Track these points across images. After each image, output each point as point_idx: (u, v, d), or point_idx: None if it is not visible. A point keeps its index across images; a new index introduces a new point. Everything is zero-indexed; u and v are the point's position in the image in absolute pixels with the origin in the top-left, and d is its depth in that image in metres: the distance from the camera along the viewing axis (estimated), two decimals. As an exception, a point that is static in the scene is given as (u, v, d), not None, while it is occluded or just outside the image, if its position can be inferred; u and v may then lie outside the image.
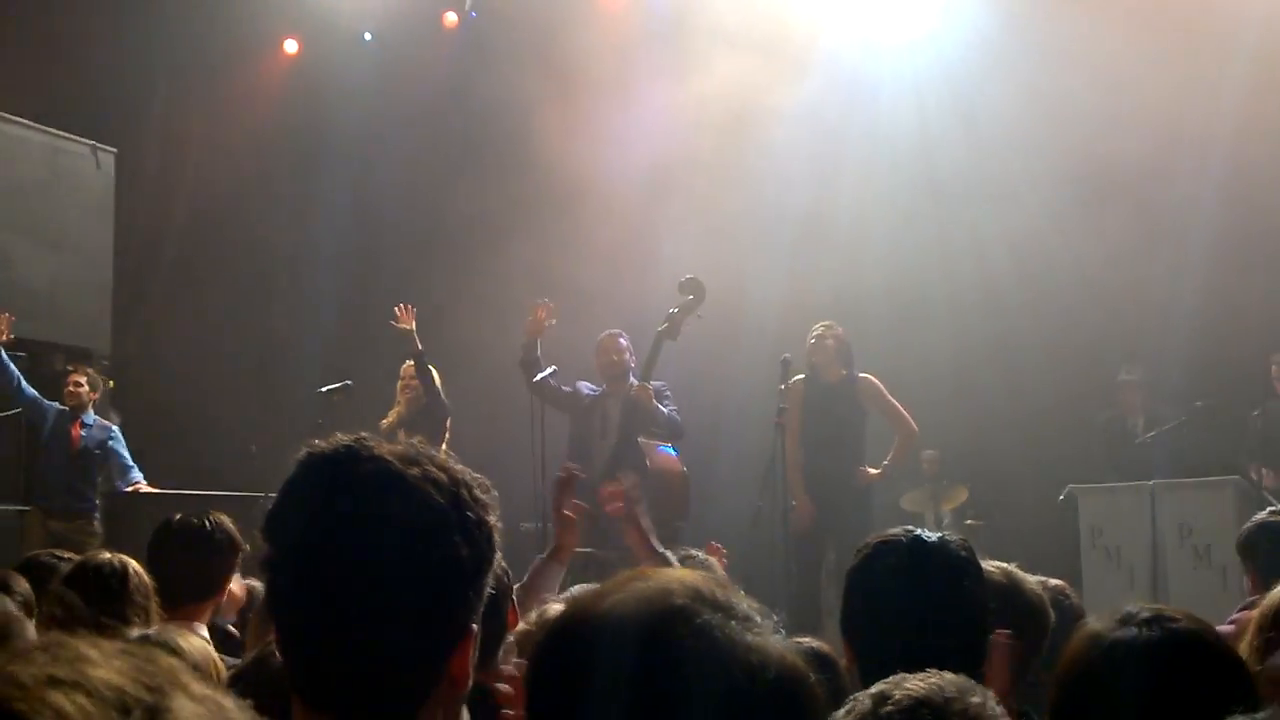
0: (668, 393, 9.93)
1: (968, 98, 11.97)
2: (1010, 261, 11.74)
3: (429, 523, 1.78)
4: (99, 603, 3.97)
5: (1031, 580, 3.57)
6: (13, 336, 10.53)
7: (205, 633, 4.32)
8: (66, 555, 4.80)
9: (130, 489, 10.74)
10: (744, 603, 1.50)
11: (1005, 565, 3.52)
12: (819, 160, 12.15)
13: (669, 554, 4.55)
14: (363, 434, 1.88)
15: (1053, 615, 3.49)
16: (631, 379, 9.82)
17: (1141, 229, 10.93)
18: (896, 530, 3.02)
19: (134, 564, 4.21)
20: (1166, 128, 10.85)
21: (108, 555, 4.26)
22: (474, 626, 1.83)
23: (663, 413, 9.75)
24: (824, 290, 11.14)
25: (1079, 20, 11.21)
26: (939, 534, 3.01)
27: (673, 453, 9.78)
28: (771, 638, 1.47)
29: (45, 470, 10.71)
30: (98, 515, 10.64)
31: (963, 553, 2.95)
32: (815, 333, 9.93)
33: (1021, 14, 11.59)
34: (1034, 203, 11.55)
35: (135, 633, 3.50)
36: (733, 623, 1.46)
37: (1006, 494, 11.78)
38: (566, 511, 4.73)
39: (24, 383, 10.65)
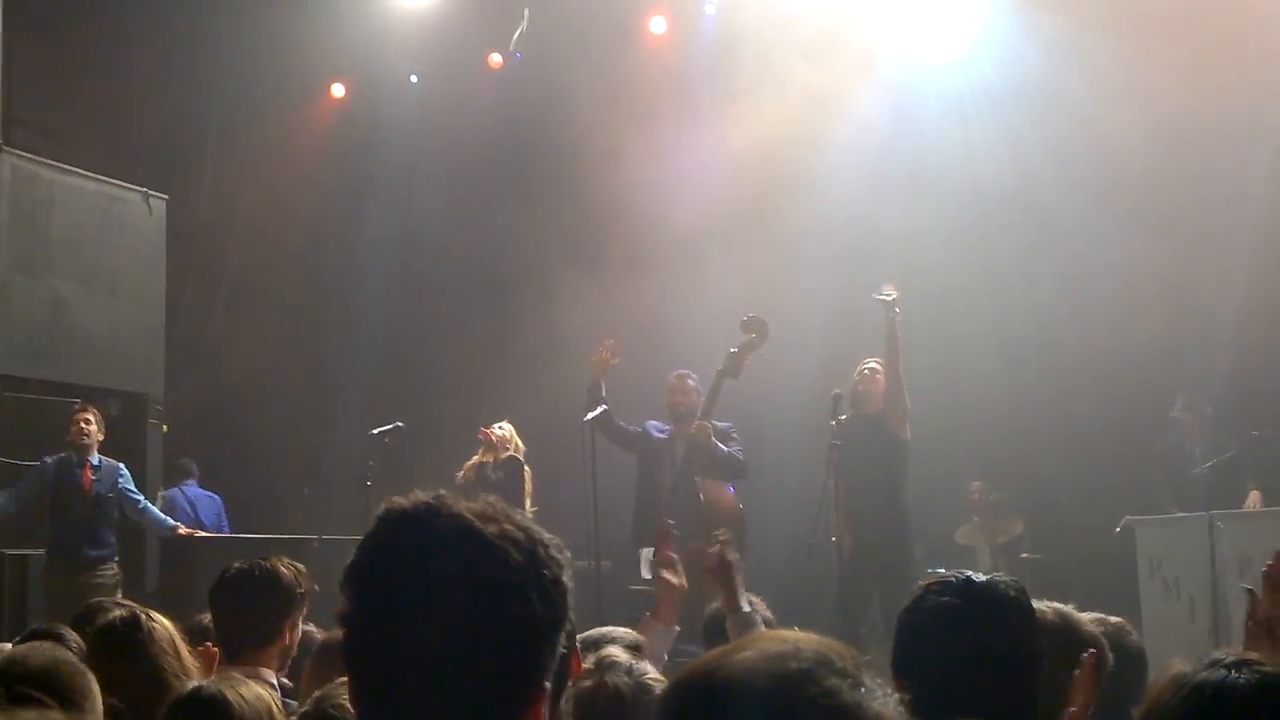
0: (734, 434, 10.05)
1: (1010, 120, 11.92)
2: (1058, 286, 11.66)
3: (507, 581, 1.78)
4: (118, 660, 3.88)
5: (1087, 619, 3.51)
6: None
7: (272, 679, 4.30)
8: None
9: (184, 533, 10.68)
10: (866, 671, 1.51)
11: (1059, 605, 3.46)
12: (865, 191, 12.13)
13: (754, 610, 4.48)
14: (441, 491, 1.89)
15: (1110, 656, 3.43)
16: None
17: (1187, 250, 10.86)
18: (947, 572, 3.00)
19: (146, 613, 4.08)
20: (1209, 146, 10.79)
21: (118, 611, 4.12)
22: (547, 685, 1.84)
23: (722, 450, 9.82)
24: (873, 321, 11.09)
25: (1118, 38, 11.14)
26: (989, 575, 2.99)
27: (729, 489, 9.81)
28: (892, 708, 1.49)
29: (61, 521, 10.33)
30: (116, 559, 10.41)
31: (1012, 593, 2.93)
32: (868, 365, 9.95)
33: (1060, 33, 11.53)
34: (1078, 226, 11.48)
35: (190, 683, 3.47)
36: (859, 690, 1.48)
37: (1061, 526, 11.65)
38: (665, 574, 4.70)
39: None
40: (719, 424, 9.98)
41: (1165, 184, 10.89)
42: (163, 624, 4.04)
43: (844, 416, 9.77)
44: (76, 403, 10.66)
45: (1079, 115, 11.42)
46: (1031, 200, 11.75)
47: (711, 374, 10.06)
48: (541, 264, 13.21)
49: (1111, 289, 11.37)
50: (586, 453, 9.86)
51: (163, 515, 10.81)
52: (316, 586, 4.70)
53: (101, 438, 10.47)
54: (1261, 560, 8.59)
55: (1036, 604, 3.15)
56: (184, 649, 4.05)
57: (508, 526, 1.82)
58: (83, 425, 10.32)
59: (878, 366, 9.93)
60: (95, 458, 10.39)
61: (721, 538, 4.60)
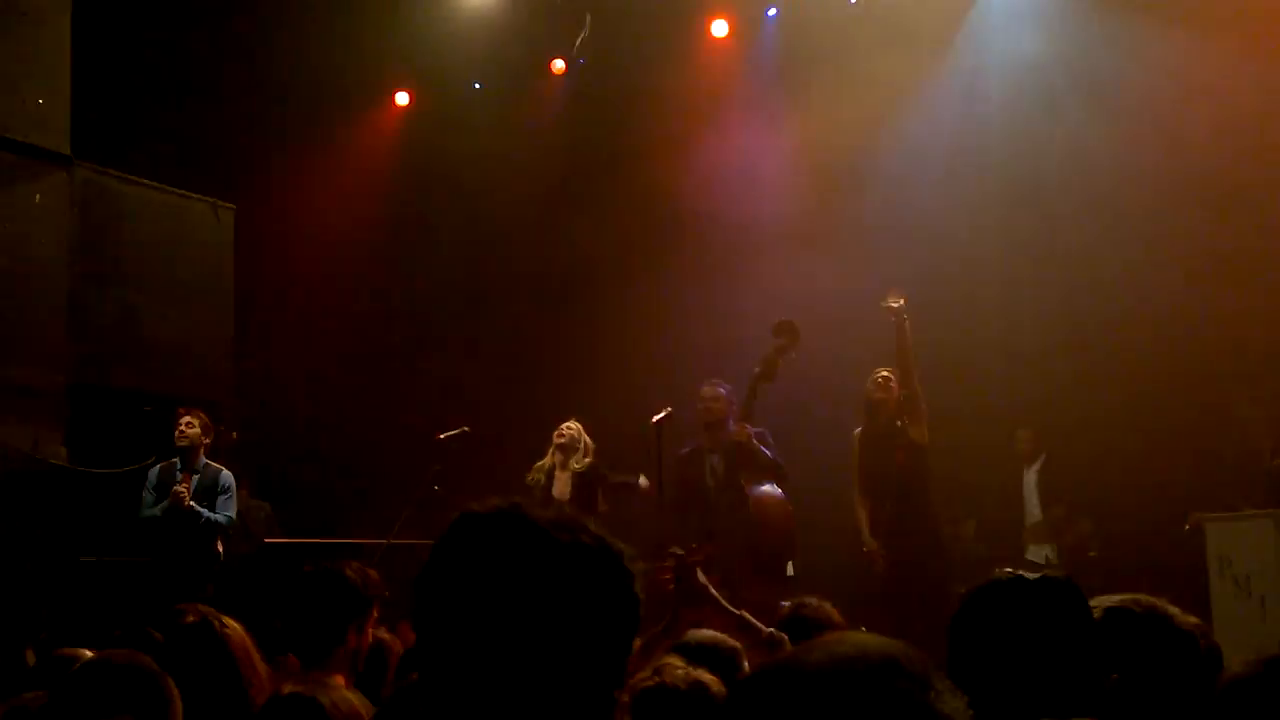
0: (769, 438, 9.99)
1: (1077, 114, 11.84)
2: (1126, 283, 11.55)
3: (580, 591, 1.81)
4: (194, 665, 3.92)
5: (1179, 613, 3.37)
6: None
7: (339, 684, 4.33)
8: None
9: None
10: (939, 676, 1.51)
11: (1147, 598, 3.37)
12: (933, 186, 12.10)
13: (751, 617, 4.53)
14: (517, 497, 1.91)
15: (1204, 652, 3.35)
16: (731, 425, 9.90)
17: (1258, 238, 10.75)
18: (999, 574, 2.97)
19: (220, 618, 4.09)
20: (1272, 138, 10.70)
21: (192, 616, 4.12)
22: (618, 695, 1.85)
23: (765, 453, 9.80)
24: (936, 327, 11.05)
25: (1187, 33, 11.05)
26: (1040, 574, 2.96)
27: (777, 492, 9.78)
28: (962, 710, 1.49)
29: (162, 529, 10.18)
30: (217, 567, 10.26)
31: (1066, 591, 2.90)
32: (880, 374, 9.97)
33: (1129, 28, 11.44)
34: (1146, 220, 11.37)
35: (283, 687, 3.48)
36: (929, 692, 1.47)
37: (1129, 525, 11.55)
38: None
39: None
40: (754, 429, 9.97)
41: (1233, 176, 10.77)
42: (235, 629, 4.08)
43: (856, 431, 9.89)
44: (148, 410, 10.70)
45: (1148, 109, 11.33)
46: (1099, 194, 11.67)
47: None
48: (608, 267, 13.27)
49: (1179, 284, 11.25)
50: (652, 455, 9.89)
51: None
52: (387, 593, 4.72)
53: (208, 441, 10.34)
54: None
55: (1123, 599, 3.14)
56: (256, 655, 4.09)
57: (582, 536, 1.84)
58: (184, 427, 10.21)
59: (890, 375, 9.94)
60: (200, 462, 10.26)
61: (680, 551, 4.66)
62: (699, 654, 3.81)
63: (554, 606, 1.78)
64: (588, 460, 10.45)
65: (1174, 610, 3.35)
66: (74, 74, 10.58)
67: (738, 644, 4.16)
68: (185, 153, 13.16)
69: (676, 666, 3.50)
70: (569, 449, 10.48)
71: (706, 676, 3.48)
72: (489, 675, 1.78)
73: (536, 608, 1.78)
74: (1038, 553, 11.19)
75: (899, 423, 9.86)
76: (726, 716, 1.57)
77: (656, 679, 3.42)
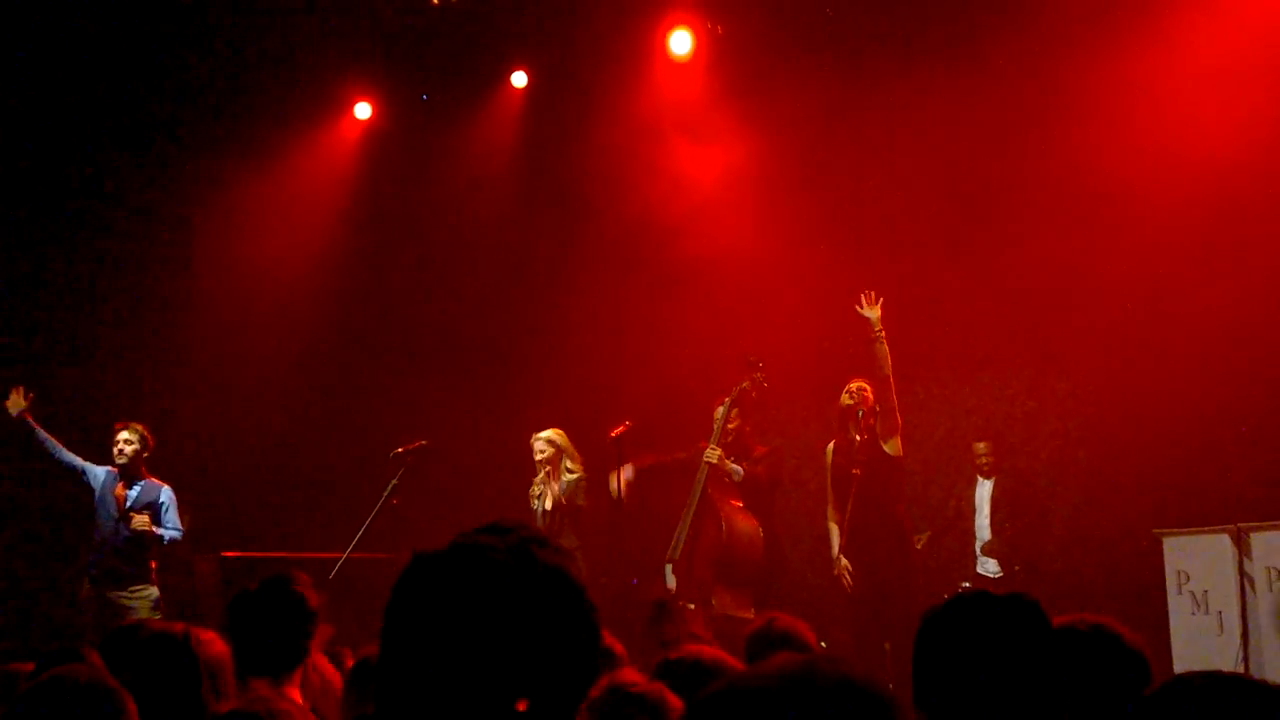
0: (761, 458, 10.14)
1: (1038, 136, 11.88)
2: (1086, 300, 11.60)
3: (533, 622, 1.84)
4: (160, 681, 3.87)
5: (1127, 632, 3.46)
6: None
7: (298, 698, 4.30)
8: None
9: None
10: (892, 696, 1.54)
11: (1099, 619, 3.45)
12: (887, 210, 12.13)
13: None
14: (497, 524, 1.96)
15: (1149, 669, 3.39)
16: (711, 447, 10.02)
17: (1219, 250, 10.78)
18: (963, 591, 2.98)
19: (198, 633, 4.04)
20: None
21: (162, 627, 4.09)
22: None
23: (738, 470, 9.93)
24: (895, 337, 11.07)
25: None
26: (1005, 592, 2.97)
27: (751, 515, 9.92)
28: None
29: (99, 536, 10.32)
30: (153, 578, 10.37)
31: (1028, 609, 2.91)
32: (855, 384, 10.02)
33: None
34: (1104, 235, 11.41)
35: (231, 706, 3.46)
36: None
37: (1089, 539, 11.60)
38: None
39: (61, 449, 10.37)
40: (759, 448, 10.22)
41: (1185, 189, 10.80)
42: (210, 643, 4.05)
43: (831, 444, 9.97)
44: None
45: (1088, 120, 11.37)
46: (1055, 205, 11.67)
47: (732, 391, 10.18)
48: (568, 281, 13.26)
49: (1141, 295, 11.24)
50: (612, 469, 9.94)
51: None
52: (324, 599, 4.67)
53: (146, 455, 10.48)
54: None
55: (1078, 619, 3.16)
56: (229, 670, 4.05)
57: (538, 565, 1.88)
58: (122, 445, 10.38)
59: (865, 385, 9.99)
60: (140, 478, 10.44)
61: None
62: (675, 676, 3.80)
63: (506, 640, 1.82)
64: (573, 476, 10.33)
65: (1122, 630, 3.38)
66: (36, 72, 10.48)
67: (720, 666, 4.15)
68: (143, 165, 13.11)
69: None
70: (546, 464, 10.41)
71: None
72: (447, 710, 1.82)
73: (490, 643, 1.82)
74: (989, 565, 11.21)
75: (869, 434, 9.87)
76: None
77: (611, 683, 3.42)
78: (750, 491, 10.08)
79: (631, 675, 3.59)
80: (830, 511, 10.04)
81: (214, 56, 12.99)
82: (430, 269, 14.00)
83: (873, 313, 9.85)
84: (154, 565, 10.45)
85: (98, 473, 10.44)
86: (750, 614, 9.32)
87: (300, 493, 13.07)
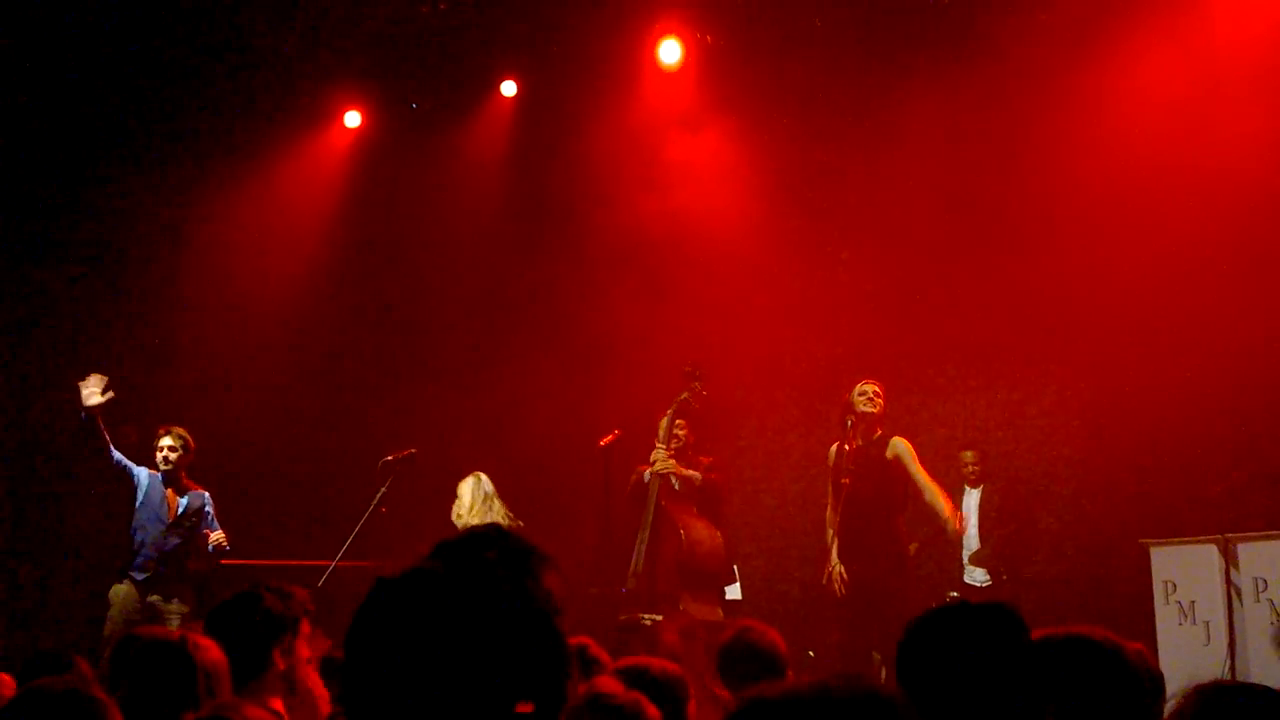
0: (712, 467, 10.21)
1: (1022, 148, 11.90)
2: (1073, 309, 11.62)
3: (496, 644, 1.86)
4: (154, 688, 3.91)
5: (1123, 643, 3.43)
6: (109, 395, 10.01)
7: (275, 707, 4.31)
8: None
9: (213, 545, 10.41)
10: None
11: (1093, 630, 3.41)
12: (877, 220, 12.15)
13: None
14: (472, 533, 1.99)
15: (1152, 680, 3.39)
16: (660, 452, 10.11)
17: (1206, 254, 10.79)
18: (946, 601, 3.01)
19: (195, 639, 4.12)
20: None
21: (161, 634, 4.19)
22: None
23: (696, 475, 10.02)
24: (884, 343, 11.11)
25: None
26: (986, 602, 2.99)
27: (711, 525, 9.98)
28: None
29: (140, 538, 10.24)
30: (192, 587, 10.36)
31: (1007, 618, 2.93)
32: (869, 388, 9.95)
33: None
34: (1089, 241, 11.43)
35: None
36: None
37: (1077, 549, 11.62)
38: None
39: (114, 449, 10.17)
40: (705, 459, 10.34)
41: (1174, 182, 10.81)
42: (208, 649, 4.07)
43: (847, 448, 9.88)
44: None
45: (1090, 120, 11.40)
46: (1042, 211, 11.69)
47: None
48: (557, 290, 13.26)
49: (1126, 303, 11.26)
50: (600, 479, 9.97)
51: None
52: (311, 608, 4.68)
53: (189, 460, 10.43)
54: (1277, 584, 8.50)
55: (1074, 629, 3.18)
56: (225, 680, 4.07)
57: (500, 587, 1.89)
58: (167, 451, 10.31)
59: (879, 390, 9.93)
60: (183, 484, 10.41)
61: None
62: (646, 684, 3.82)
63: (466, 658, 1.84)
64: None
65: (1118, 640, 3.38)
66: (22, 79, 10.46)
67: (687, 677, 4.17)
68: (132, 169, 13.10)
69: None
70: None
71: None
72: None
73: (449, 661, 1.84)
74: (976, 575, 11.22)
75: (879, 438, 9.86)
76: None
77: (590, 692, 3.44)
78: (708, 499, 10.13)
79: (611, 685, 3.60)
80: (829, 515, 9.98)
81: (204, 64, 12.97)
82: (419, 277, 13.99)
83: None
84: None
85: (141, 475, 10.32)
86: (718, 615, 9.39)
87: (289, 501, 13.05)
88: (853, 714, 1.53)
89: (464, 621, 1.85)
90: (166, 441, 10.36)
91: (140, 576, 10.19)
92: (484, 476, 10.46)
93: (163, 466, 10.33)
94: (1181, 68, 10.91)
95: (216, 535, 10.31)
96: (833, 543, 9.73)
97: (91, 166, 12.96)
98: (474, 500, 10.31)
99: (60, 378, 12.42)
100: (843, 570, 9.57)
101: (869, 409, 9.85)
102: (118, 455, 10.23)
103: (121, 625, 9.64)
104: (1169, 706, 2.75)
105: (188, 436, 10.48)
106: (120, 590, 10.20)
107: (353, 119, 14.05)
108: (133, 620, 9.65)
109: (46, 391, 12.39)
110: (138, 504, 10.29)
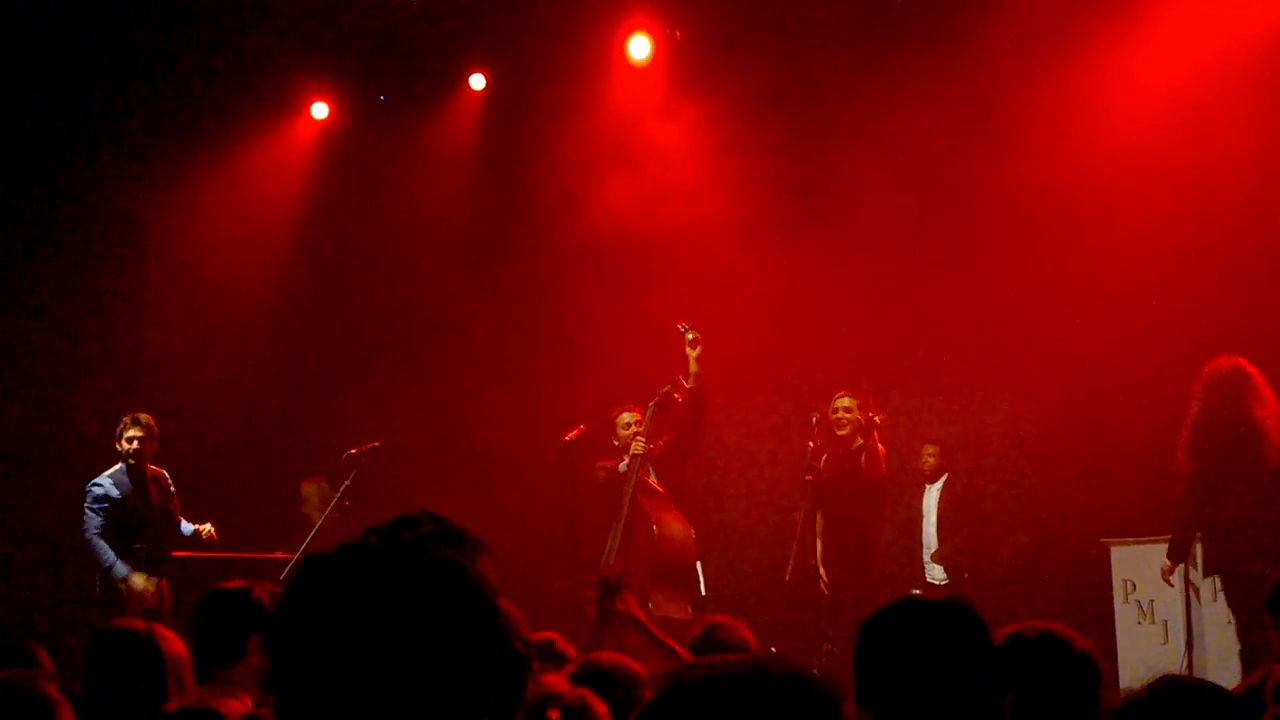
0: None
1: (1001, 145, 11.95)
2: (1040, 309, 11.68)
3: (433, 623, 1.77)
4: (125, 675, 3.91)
5: (1076, 638, 3.50)
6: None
7: (246, 700, 4.32)
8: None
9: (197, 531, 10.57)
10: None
11: (1047, 625, 3.50)
12: (848, 208, 12.18)
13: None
14: (406, 517, 1.92)
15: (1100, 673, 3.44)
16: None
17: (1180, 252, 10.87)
18: (901, 598, 3.05)
19: (159, 630, 4.15)
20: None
21: (126, 625, 4.20)
22: None
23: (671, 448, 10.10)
24: (854, 337, 11.15)
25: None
26: (942, 599, 3.03)
27: (682, 518, 10.03)
28: None
29: (128, 531, 10.26)
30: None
31: (964, 614, 2.95)
32: (842, 403, 10.17)
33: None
34: (1062, 238, 11.49)
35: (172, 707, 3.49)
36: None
37: (1037, 547, 11.69)
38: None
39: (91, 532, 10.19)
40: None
41: (1154, 178, 10.87)
42: (170, 640, 4.08)
43: (812, 445, 10.10)
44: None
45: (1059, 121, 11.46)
46: (1017, 206, 11.75)
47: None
48: (521, 283, 13.26)
49: (1095, 302, 11.33)
50: (566, 473, 9.99)
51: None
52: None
53: (153, 447, 10.52)
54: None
55: (1026, 626, 3.23)
56: (187, 670, 4.08)
57: (438, 563, 1.81)
58: (139, 438, 10.34)
59: (852, 405, 10.16)
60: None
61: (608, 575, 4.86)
62: (597, 679, 3.86)
63: (401, 640, 1.74)
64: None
65: (1071, 635, 3.44)
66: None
67: (639, 670, 4.20)
68: (95, 158, 13.02)
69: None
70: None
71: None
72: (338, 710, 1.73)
73: (384, 644, 1.73)
74: (935, 573, 11.29)
75: (858, 449, 10.09)
76: None
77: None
78: (698, 404, 10.23)
79: (557, 683, 3.64)
80: (803, 520, 10.19)
81: (170, 54, 12.91)
82: (385, 270, 13.95)
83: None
84: None
85: (109, 488, 10.30)
86: (688, 614, 9.42)
87: (253, 494, 13.01)
88: (773, 695, 1.53)
89: (400, 596, 1.75)
90: (133, 432, 10.36)
91: (143, 560, 10.22)
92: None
93: (130, 458, 10.34)
94: (1164, 65, 10.97)
95: (206, 528, 10.49)
96: (797, 540, 9.94)
97: (53, 155, 12.86)
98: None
99: (19, 366, 12.40)
100: (824, 572, 9.82)
101: (840, 432, 10.19)
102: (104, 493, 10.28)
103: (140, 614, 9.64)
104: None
105: (153, 424, 10.50)
106: (138, 579, 10.13)
107: (320, 110, 13.98)
108: (151, 609, 9.69)
109: (8, 378, 12.33)
110: (118, 505, 10.27)
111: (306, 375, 13.89)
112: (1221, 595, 9.16)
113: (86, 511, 10.21)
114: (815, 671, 1.60)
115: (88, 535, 10.16)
